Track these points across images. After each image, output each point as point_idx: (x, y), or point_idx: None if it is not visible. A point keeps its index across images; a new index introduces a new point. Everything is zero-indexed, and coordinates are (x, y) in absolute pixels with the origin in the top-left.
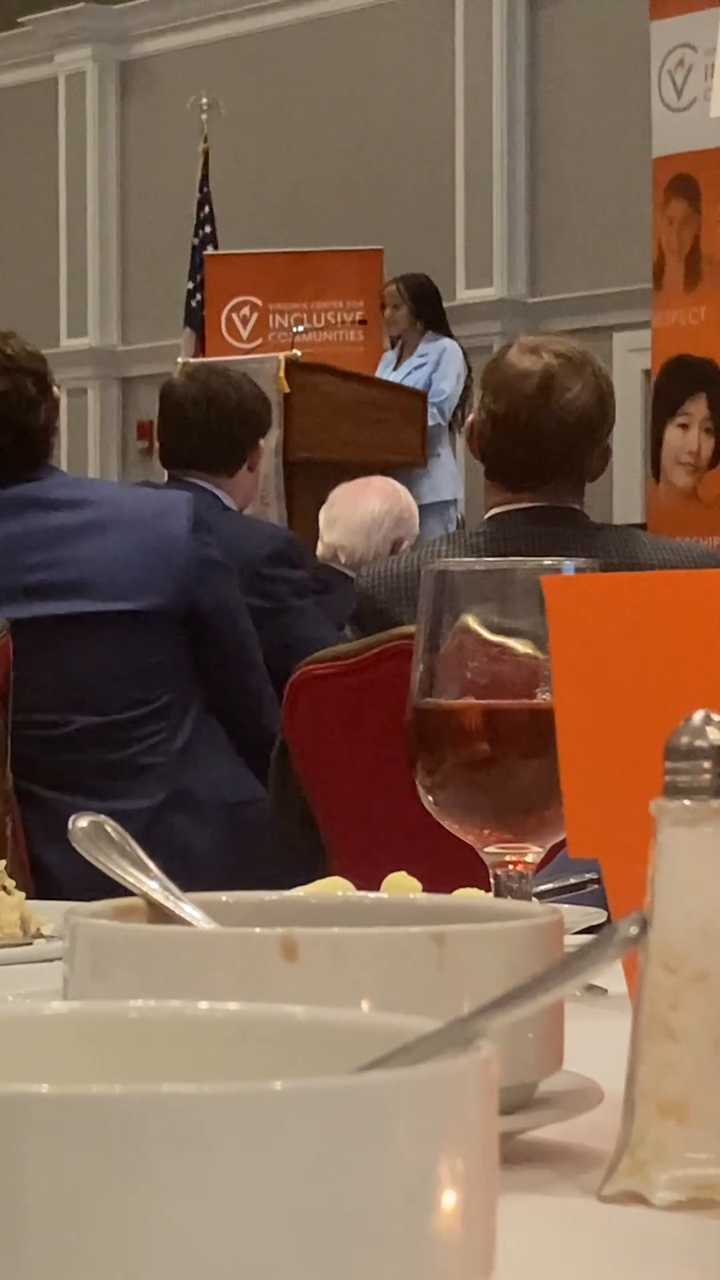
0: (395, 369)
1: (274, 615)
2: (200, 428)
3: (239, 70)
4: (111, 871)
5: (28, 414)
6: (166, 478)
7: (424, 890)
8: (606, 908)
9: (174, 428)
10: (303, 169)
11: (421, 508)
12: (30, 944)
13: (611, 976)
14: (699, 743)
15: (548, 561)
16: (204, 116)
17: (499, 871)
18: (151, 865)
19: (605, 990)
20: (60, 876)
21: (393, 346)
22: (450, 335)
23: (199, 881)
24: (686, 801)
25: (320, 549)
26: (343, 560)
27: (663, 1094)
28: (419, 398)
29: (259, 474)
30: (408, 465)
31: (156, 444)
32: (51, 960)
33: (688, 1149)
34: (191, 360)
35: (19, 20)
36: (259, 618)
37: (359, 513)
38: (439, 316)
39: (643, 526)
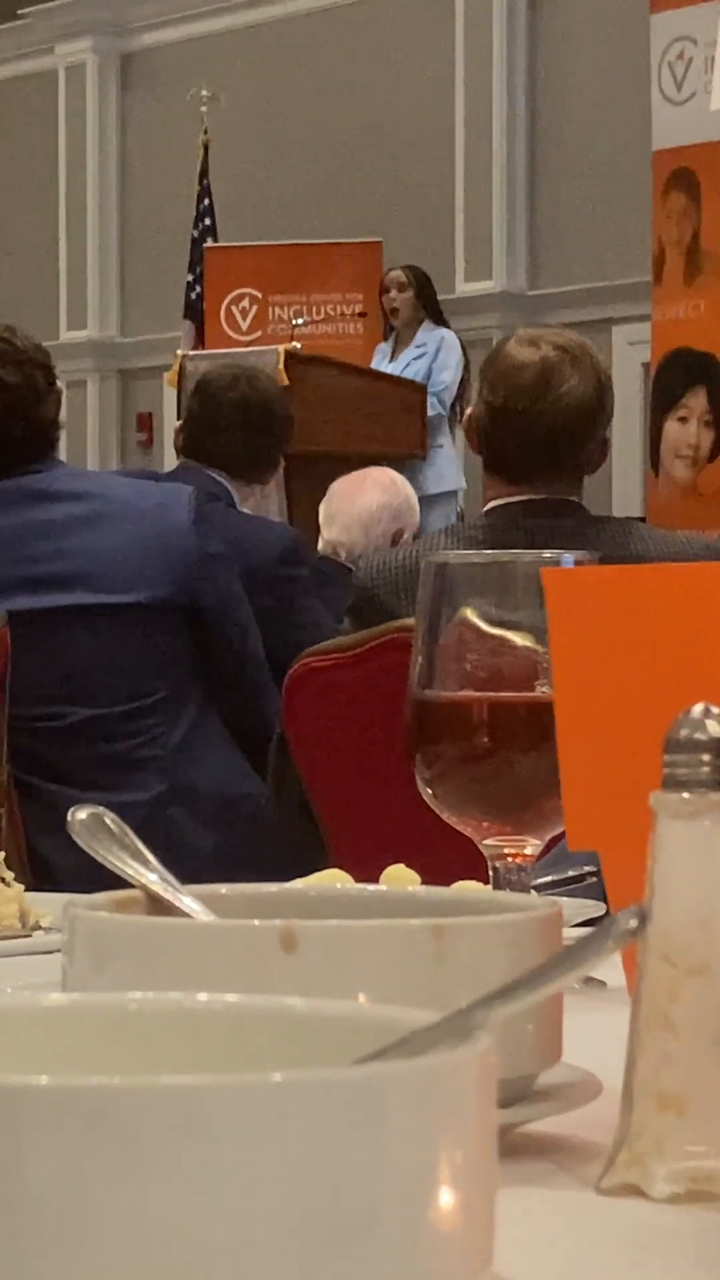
0: (392, 360)
1: (287, 614)
2: (234, 431)
3: (239, 63)
4: (110, 863)
5: (37, 406)
6: (177, 465)
7: (423, 883)
8: (605, 900)
9: (205, 425)
10: (302, 161)
11: (425, 498)
12: (29, 936)
13: (610, 969)
14: (698, 735)
15: (547, 554)
16: (204, 109)
17: (498, 864)
18: (150, 857)
19: (604, 983)
20: (59, 868)
21: (386, 338)
22: (447, 326)
23: (198, 874)
24: (685, 794)
25: (320, 544)
26: (343, 556)
27: (662, 1086)
28: (418, 390)
29: (270, 488)
30: (407, 457)
31: (181, 436)
32: (50, 952)
33: (686, 1141)
34: (194, 353)
35: (19, 12)
36: (274, 617)
37: (356, 508)
38: (437, 308)
39: (642, 519)
